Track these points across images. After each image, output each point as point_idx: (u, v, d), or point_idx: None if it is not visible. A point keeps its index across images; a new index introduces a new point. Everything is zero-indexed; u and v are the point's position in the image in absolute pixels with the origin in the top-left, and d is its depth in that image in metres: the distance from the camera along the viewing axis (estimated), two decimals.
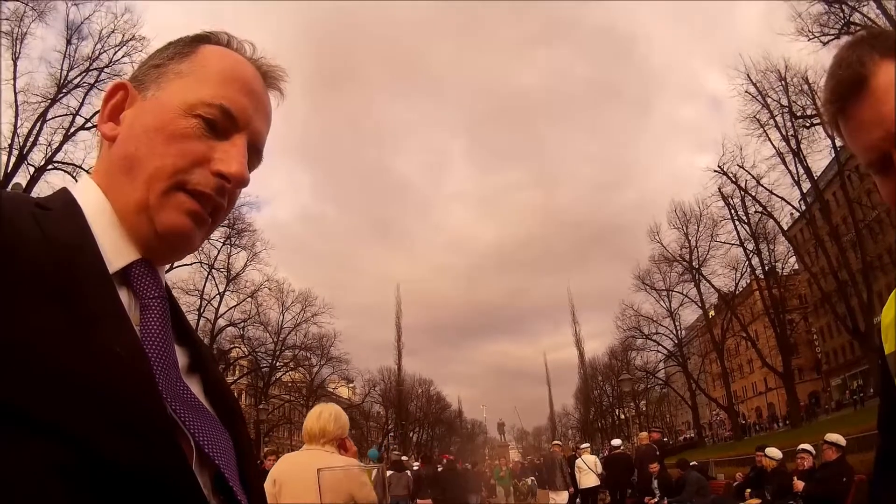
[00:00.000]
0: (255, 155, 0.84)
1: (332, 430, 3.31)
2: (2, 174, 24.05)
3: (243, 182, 0.80)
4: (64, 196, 0.76)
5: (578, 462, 14.97)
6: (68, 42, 27.16)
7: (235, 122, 0.80)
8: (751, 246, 41.65)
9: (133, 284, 0.74)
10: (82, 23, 27.29)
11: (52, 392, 0.55)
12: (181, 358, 0.78)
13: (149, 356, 0.68)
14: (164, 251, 0.80)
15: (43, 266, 0.61)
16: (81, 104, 26.64)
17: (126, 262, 0.75)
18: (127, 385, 0.61)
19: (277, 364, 47.08)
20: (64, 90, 26.71)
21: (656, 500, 12.60)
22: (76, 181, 0.90)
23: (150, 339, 0.71)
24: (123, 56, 27.18)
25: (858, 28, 26.02)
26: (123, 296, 0.71)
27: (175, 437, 0.64)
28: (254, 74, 0.86)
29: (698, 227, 44.27)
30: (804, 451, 9.18)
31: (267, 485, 3.23)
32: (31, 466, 0.52)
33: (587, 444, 17.36)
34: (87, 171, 0.84)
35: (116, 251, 0.74)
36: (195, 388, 0.77)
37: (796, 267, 43.65)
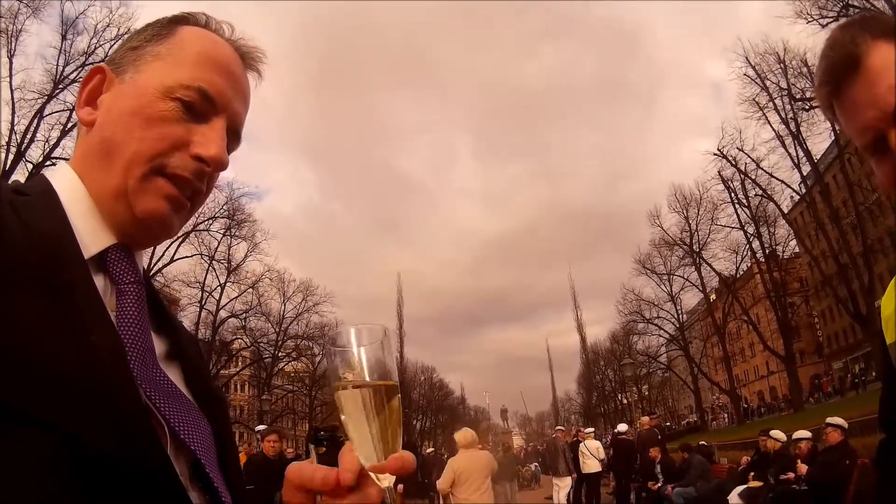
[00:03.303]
0: (233, 138, 0.83)
1: (477, 440, 7.70)
2: (0, 172, 24.00)
3: (222, 165, 0.79)
4: (41, 182, 0.75)
5: (581, 447, 15.00)
6: (63, 37, 27.06)
7: (214, 105, 0.79)
8: (751, 229, 41.55)
9: (109, 269, 0.73)
10: (77, 18, 27.18)
11: (26, 379, 0.54)
12: (160, 345, 0.76)
13: (124, 342, 0.67)
14: (142, 236, 0.79)
15: (20, 251, 0.60)
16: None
17: (102, 247, 0.74)
18: (101, 372, 0.60)
19: (280, 354, 47.13)
20: (60, 86, 26.59)
21: (660, 484, 12.64)
22: None
23: (126, 325, 0.69)
24: None
25: (857, 10, 25.89)
26: (99, 281, 0.70)
27: (150, 424, 0.64)
28: (232, 56, 0.84)
29: (698, 210, 44.15)
30: (801, 438, 9.21)
31: (448, 472, 7.38)
32: (7, 455, 0.52)
33: (591, 429, 17.36)
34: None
35: (93, 236, 0.73)
36: (174, 375, 0.76)
37: (797, 250, 43.58)
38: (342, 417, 0.70)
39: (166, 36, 0.81)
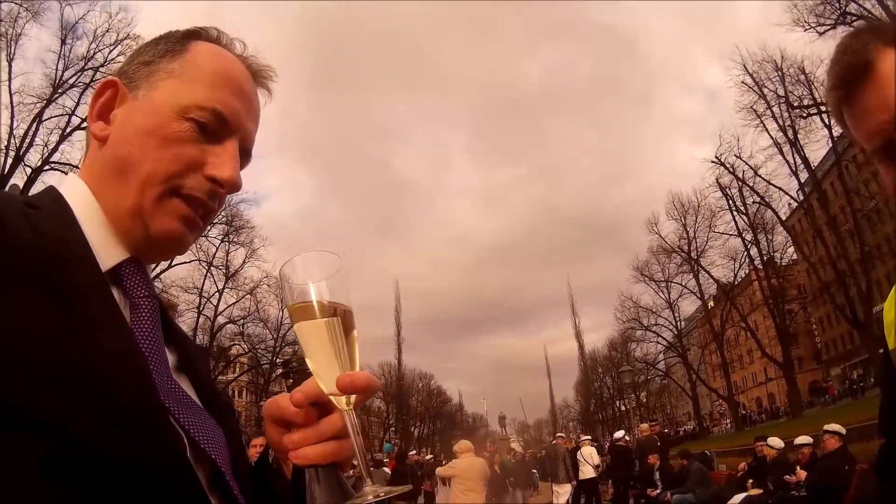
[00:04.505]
0: (245, 156, 0.84)
1: (474, 448, 10.37)
2: None
3: (236, 187, 0.80)
4: (52, 194, 0.76)
5: (578, 454, 15.00)
6: (63, 42, 27.11)
7: (228, 126, 0.80)
8: (749, 236, 41.73)
9: (123, 283, 0.74)
10: (77, 22, 27.23)
11: (49, 389, 0.55)
12: (170, 356, 0.78)
13: (145, 355, 0.68)
14: (155, 253, 0.80)
15: (37, 265, 0.60)
16: (77, 104, 26.46)
17: (116, 261, 0.75)
18: (125, 384, 0.61)
19: (277, 360, 47.03)
20: (59, 90, 26.62)
21: (658, 491, 12.61)
22: None
23: (143, 338, 0.71)
24: (118, 55, 27.01)
25: (854, 18, 26.02)
26: (114, 294, 0.71)
27: (171, 433, 0.65)
28: (245, 75, 0.85)
29: (696, 217, 44.36)
30: (803, 444, 9.23)
31: (450, 469, 9.97)
32: (24, 465, 0.52)
33: (587, 437, 17.36)
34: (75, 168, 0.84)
35: (107, 250, 0.74)
36: (185, 385, 0.77)
37: (795, 257, 43.68)
38: (301, 347, 0.73)
39: (180, 52, 0.82)
